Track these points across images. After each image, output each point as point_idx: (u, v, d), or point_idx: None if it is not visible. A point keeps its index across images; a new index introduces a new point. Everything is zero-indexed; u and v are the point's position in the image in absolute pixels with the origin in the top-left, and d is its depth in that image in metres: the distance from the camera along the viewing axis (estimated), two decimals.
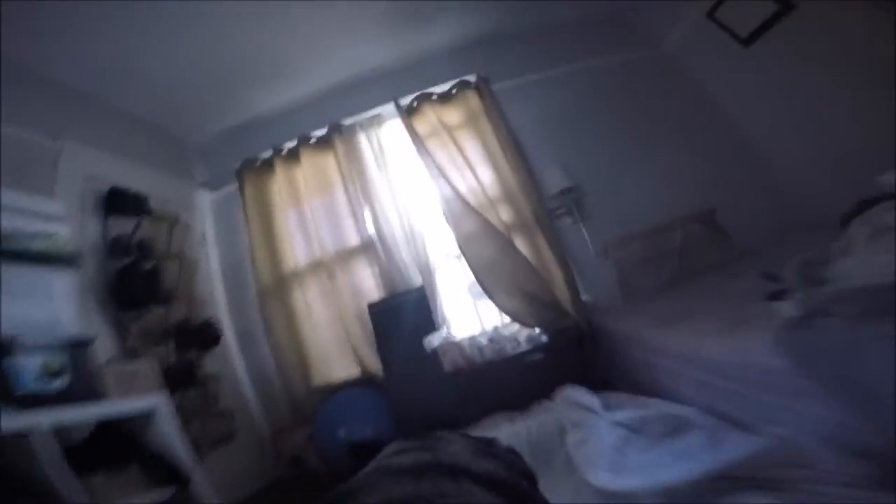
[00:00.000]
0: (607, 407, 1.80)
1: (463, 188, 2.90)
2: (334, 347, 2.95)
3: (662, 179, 2.93)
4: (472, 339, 2.80)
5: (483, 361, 2.69)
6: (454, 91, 3.13)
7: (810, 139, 2.66)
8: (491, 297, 2.79)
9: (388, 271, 2.90)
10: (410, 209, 3.01)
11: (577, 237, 2.93)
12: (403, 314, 2.71)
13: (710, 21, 2.84)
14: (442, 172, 2.91)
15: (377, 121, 3.24)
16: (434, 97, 3.14)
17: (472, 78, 3.14)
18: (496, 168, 2.94)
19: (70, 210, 2.07)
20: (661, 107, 3.12)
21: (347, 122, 3.26)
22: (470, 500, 0.56)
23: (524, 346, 2.71)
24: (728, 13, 2.75)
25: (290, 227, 3.11)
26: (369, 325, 2.77)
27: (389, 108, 3.20)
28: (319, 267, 3.02)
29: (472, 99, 3.08)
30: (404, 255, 2.94)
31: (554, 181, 2.87)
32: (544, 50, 3.26)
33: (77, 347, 1.57)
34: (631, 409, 1.69)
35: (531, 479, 0.74)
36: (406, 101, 3.17)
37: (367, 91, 3.30)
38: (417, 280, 2.89)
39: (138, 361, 2.00)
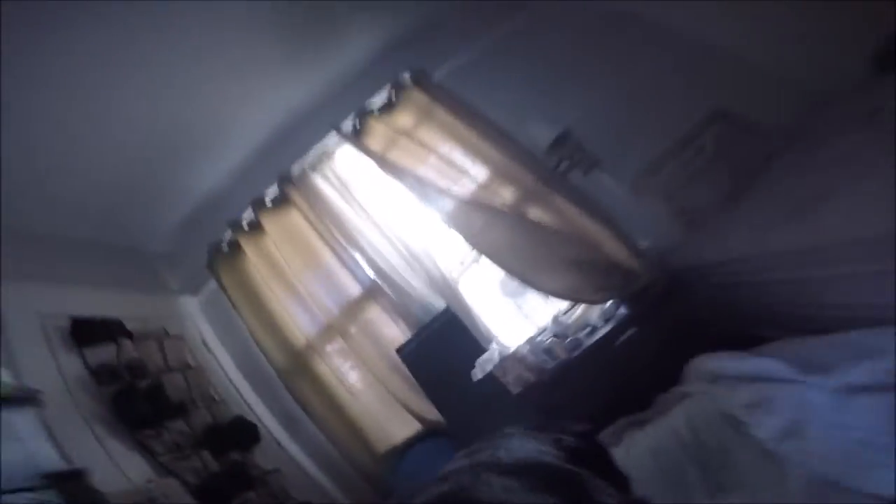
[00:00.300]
0: (803, 369, 1.24)
1: (448, 184, 2.59)
2: (382, 408, 2.65)
3: (649, 101, 2.61)
4: (532, 342, 2.38)
5: (557, 365, 2.21)
6: (393, 97, 2.91)
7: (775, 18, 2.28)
8: (533, 285, 2.41)
9: (405, 306, 2.59)
10: (401, 231, 2.71)
11: (595, 186, 2.55)
12: (438, 345, 2.41)
13: None
14: (418, 178, 2.60)
15: (326, 156, 2.99)
16: (374, 112, 2.91)
17: (406, 76, 2.93)
18: (475, 150, 2.61)
19: (33, 350, 1.99)
20: (611, 37, 2.78)
21: (296, 170, 2.99)
22: (485, 490, 0.57)
23: (604, 328, 2.24)
24: None
25: (284, 302, 2.79)
26: (407, 372, 2.48)
27: (333, 139, 2.97)
28: (331, 331, 2.72)
29: (417, 96, 2.81)
30: (414, 282, 2.63)
31: (541, 135, 2.56)
32: (462, 26, 2.96)
33: (65, 480, 1.54)
34: (847, 362, 1.14)
35: (593, 457, 0.72)
36: (348, 126, 2.95)
37: (302, 132, 3.01)
38: (440, 303, 2.58)
39: (159, 482, 1.91)
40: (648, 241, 2.42)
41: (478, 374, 2.27)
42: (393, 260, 2.68)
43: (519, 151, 2.54)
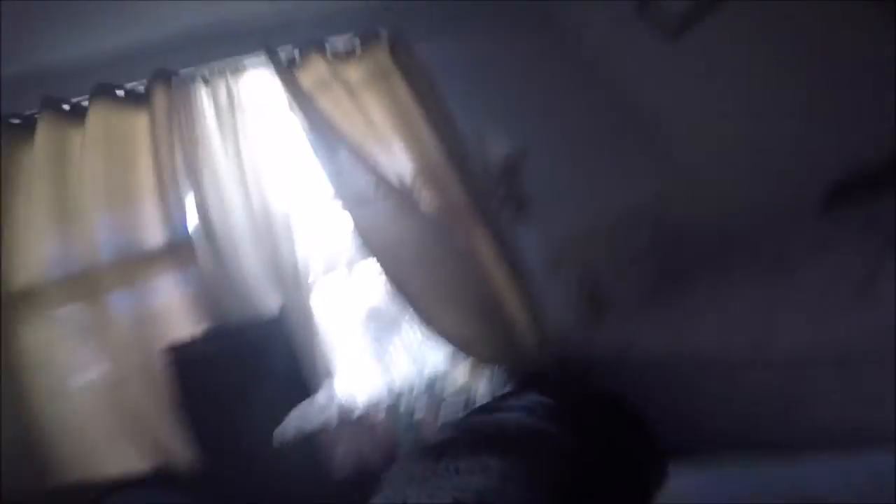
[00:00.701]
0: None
1: (367, 157, 1.89)
2: (111, 423, 1.54)
3: (604, 171, 2.41)
4: (390, 404, 1.64)
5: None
6: (357, 45, 2.20)
7: (739, 133, 2.37)
8: (423, 315, 1.74)
9: (217, 288, 1.62)
10: (270, 189, 1.82)
11: (517, 235, 2.10)
12: (243, 364, 1.51)
13: (637, 14, 2.47)
14: (335, 135, 1.89)
15: (233, 68, 2.13)
16: (328, 51, 2.17)
17: (382, 32, 2.25)
18: (413, 137, 2.00)
19: None
20: (592, 97, 2.64)
21: (184, 73, 2.09)
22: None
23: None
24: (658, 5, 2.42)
25: (38, 216, 1.70)
26: (173, 384, 1.49)
27: (256, 59, 2.14)
28: (81, 283, 1.62)
29: (381, 55, 2.18)
30: (250, 260, 1.70)
31: (496, 147, 2.09)
32: (462, 16, 2.53)
33: None
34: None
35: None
36: (284, 53, 2.15)
37: (227, 41, 2.21)
38: (273, 303, 1.65)
39: None
40: (555, 319, 2.00)
41: (290, 428, 1.44)
42: (236, 220, 1.73)
43: (463, 158, 2.04)
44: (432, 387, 1.80)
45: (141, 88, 2.06)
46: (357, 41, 2.21)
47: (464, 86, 2.26)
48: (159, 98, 1.99)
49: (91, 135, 1.88)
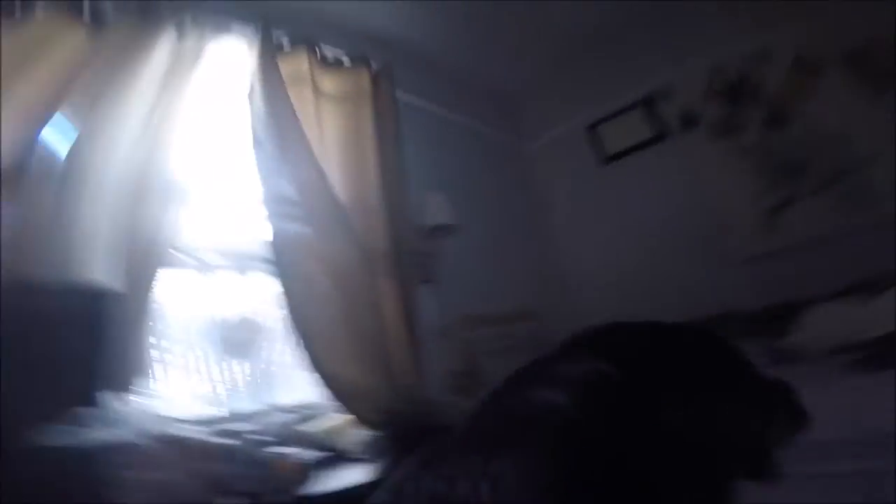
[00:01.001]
0: None
1: (307, 170, 1.74)
2: None
3: (505, 268, 2.68)
4: (228, 431, 1.38)
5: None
6: (346, 62, 2.09)
7: (630, 266, 2.68)
8: (312, 353, 1.57)
9: (38, 235, 1.30)
10: (173, 157, 1.56)
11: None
12: (23, 329, 1.16)
13: (586, 133, 2.87)
14: (289, 129, 1.74)
15: (215, 26, 1.94)
16: (318, 54, 2.05)
17: (374, 63, 2.17)
18: (359, 167, 1.90)
19: None
20: (520, 200, 3.06)
21: (167, 9, 1.87)
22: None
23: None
24: (606, 131, 2.81)
25: None
26: None
27: (244, 30, 1.99)
28: None
29: (364, 78, 2.09)
30: (101, 218, 1.39)
31: (432, 213, 2.09)
32: (441, 86, 2.80)
33: None
34: None
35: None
36: (276, 36, 2.01)
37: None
38: (105, 277, 1.34)
39: None
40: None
41: (65, 431, 1.07)
42: (111, 174, 1.43)
43: (398, 209, 1.98)
44: (293, 424, 1.58)
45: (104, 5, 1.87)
46: (347, 59, 2.11)
47: (419, 148, 2.30)
48: (118, 30, 1.78)
49: (24, 42, 1.65)
